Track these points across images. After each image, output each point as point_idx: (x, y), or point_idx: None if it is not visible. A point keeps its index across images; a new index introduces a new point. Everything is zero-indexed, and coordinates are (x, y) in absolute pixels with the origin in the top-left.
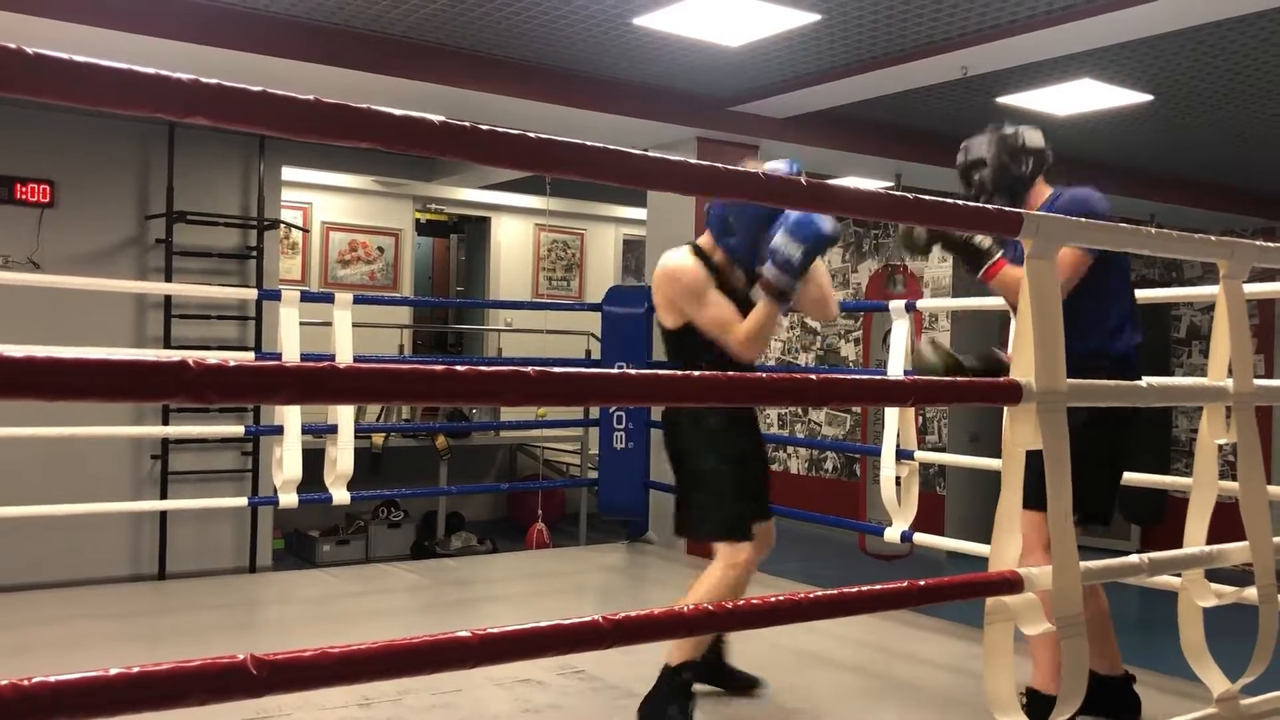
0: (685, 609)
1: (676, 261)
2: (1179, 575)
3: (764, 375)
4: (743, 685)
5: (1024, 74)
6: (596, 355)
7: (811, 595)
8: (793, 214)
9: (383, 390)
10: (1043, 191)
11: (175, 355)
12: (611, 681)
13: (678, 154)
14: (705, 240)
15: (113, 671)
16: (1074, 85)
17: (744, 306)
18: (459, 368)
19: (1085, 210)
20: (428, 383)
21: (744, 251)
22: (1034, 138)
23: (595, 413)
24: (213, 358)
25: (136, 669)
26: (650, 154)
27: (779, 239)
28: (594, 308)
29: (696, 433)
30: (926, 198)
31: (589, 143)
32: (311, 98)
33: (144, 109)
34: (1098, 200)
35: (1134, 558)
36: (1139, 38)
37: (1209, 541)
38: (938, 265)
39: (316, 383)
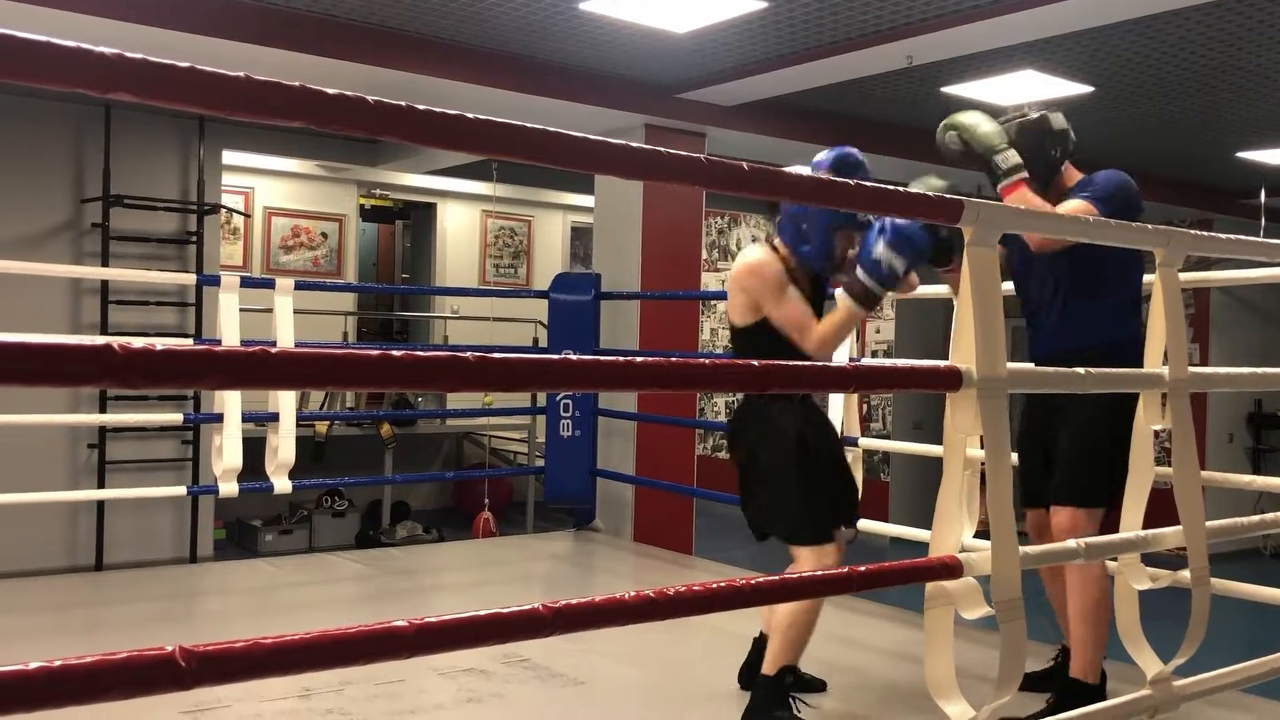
0: (626, 596)
1: (758, 256)
2: (1114, 560)
3: (706, 361)
4: (807, 687)
5: (968, 65)
6: (544, 343)
7: (753, 581)
8: (891, 224)
9: (317, 375)
10: (1073, 175)
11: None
12: (557, 670)
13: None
14: (777, 242)
15: (32, 665)
16: (1017, 76)
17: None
18: (395, 352)
19: (1122, 185)
20: (362, 367)
21: (818, 258)
22: (1059, 120)
23: (542, 401)
24: (140, 342)
25: (58, 663)
26: (593, 137)
27: (880, 250)
28: (541, 295)
29: (774, 434)
30: (866, 183)
31: (528, 124)
32: (241, 74)
33: (63, 84)
34: (1123, 179)
35: (1071, 543)
36: (1080, 29)
37: (1144, 527)
38: None
39: (247, 367)
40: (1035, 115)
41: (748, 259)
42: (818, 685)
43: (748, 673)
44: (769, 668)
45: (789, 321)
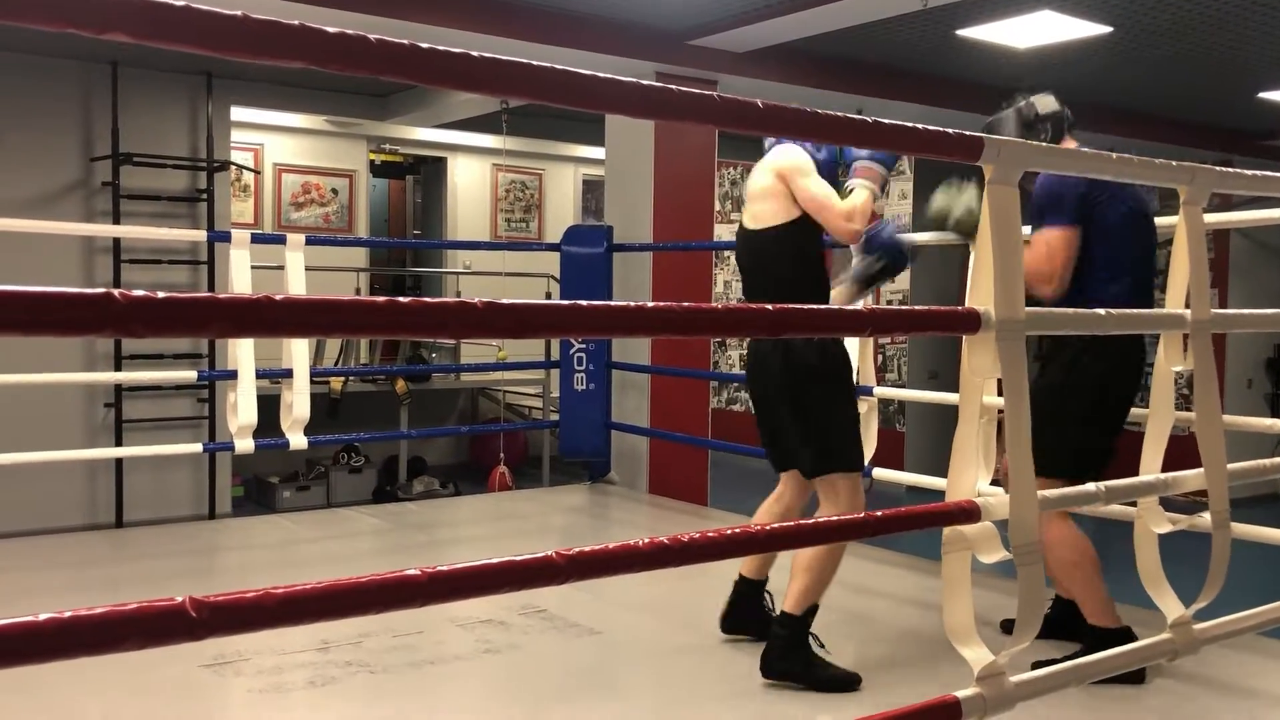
0: (640, 543)
1: (788, 146)
2: (1134, 504)
3: (720, 307)
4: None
5: (984, 5)
6: (557, 298)
7: (769, 527)
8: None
9: (320, 322)
10: (1072, 145)
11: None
12: (574, 620)
13: None
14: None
15: (43, 617)
16: (1034, 17)
17: None
18: (400, 299)
19: (1053, 188)
20: (368, 314)
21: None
22: (1046, 103)
23: (556, 354)
24: (141, 291)
25: (68, 614)
26: (600, 75)
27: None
28: (553, 248)
29: (818, 374)
30: (887, 121)
31: (535, 62)
32: (239, 13)
33: (59, 24)
34: (1062, 182)
35: (1090, 486)
36: None
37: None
38: (898, 202)
39: (250, 314)
40: (1022, 103)
41: (777, 151)
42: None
43: (730, 617)
44: (793, 606)
45: (815, 199)
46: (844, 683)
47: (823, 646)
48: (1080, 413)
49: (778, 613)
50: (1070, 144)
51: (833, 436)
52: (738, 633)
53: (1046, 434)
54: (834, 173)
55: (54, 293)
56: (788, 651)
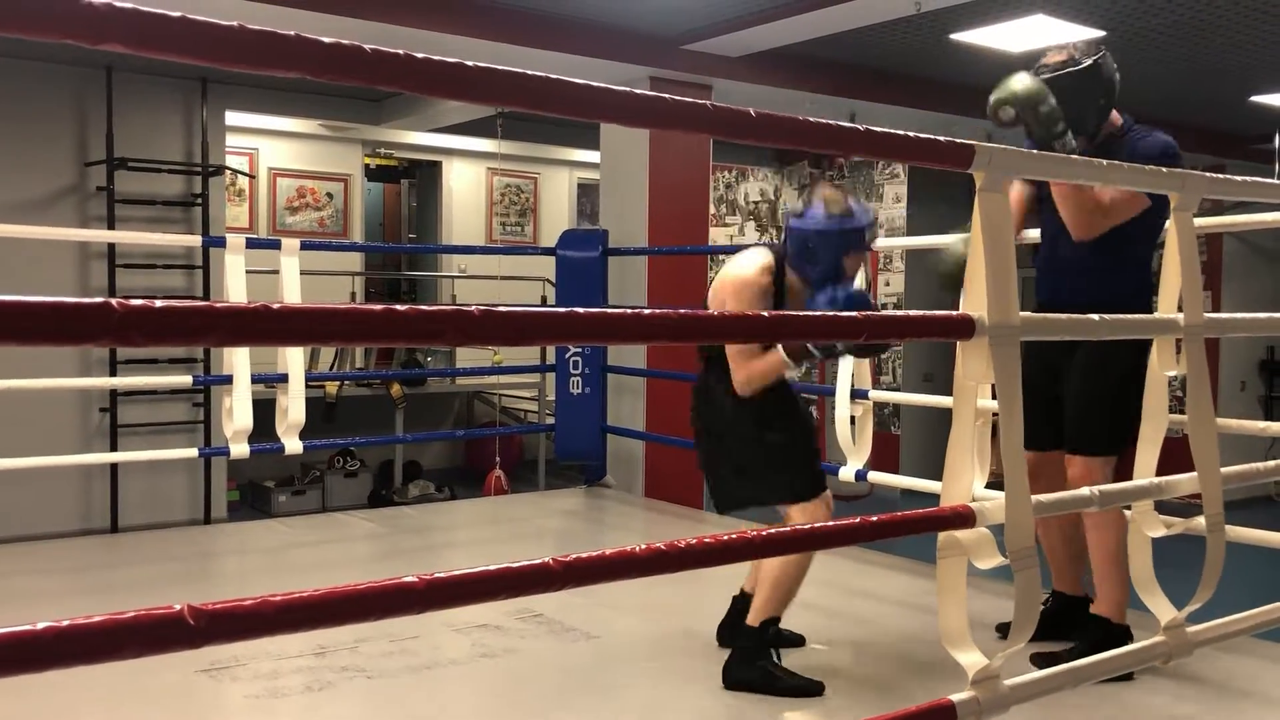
0: (636, 549)
1: (745, 272)
2: (1129, 508)
3: (716, 313)
4: (785, 643)
5: (977, 10)
6: (553, 301)
7: (765, 532)
8: (845, 296)
9: (319, 330)
10: (1115, 120)
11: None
12: (570, 625)
13: None
14: (779, 251)
15: (41, 625)
16: (1027, 21)
17: None
18: (398, 306)
19: (1171, 155)
20: (365, 322)
21: (824, 277)
22: (1110, 66)
23: (552, 358)
24: (140, 300)
25: (66, 622)
26: (594, 84)
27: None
28: (549, 252)
29: (752, 412)
30: (878, 129)
31: (530, 71)
32: (235, 24)
33: (55, 35)
34: (1174, 150)
35: (1085, 490)
36: None
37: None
38: (892, 206)
39: (249, 323)
40: (1087, 63)
41: (737, 273)
42: (797, 640)
43: (727, 630)
44: (753, 618)
45: (739, 345)
46: (804, 690)
47: (780, 658)
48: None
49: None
50: (1115, 118)
51: (797, 467)
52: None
53: (1096, 415)
54: (838, 266)
55: (52, 303)
56: (746, 662)
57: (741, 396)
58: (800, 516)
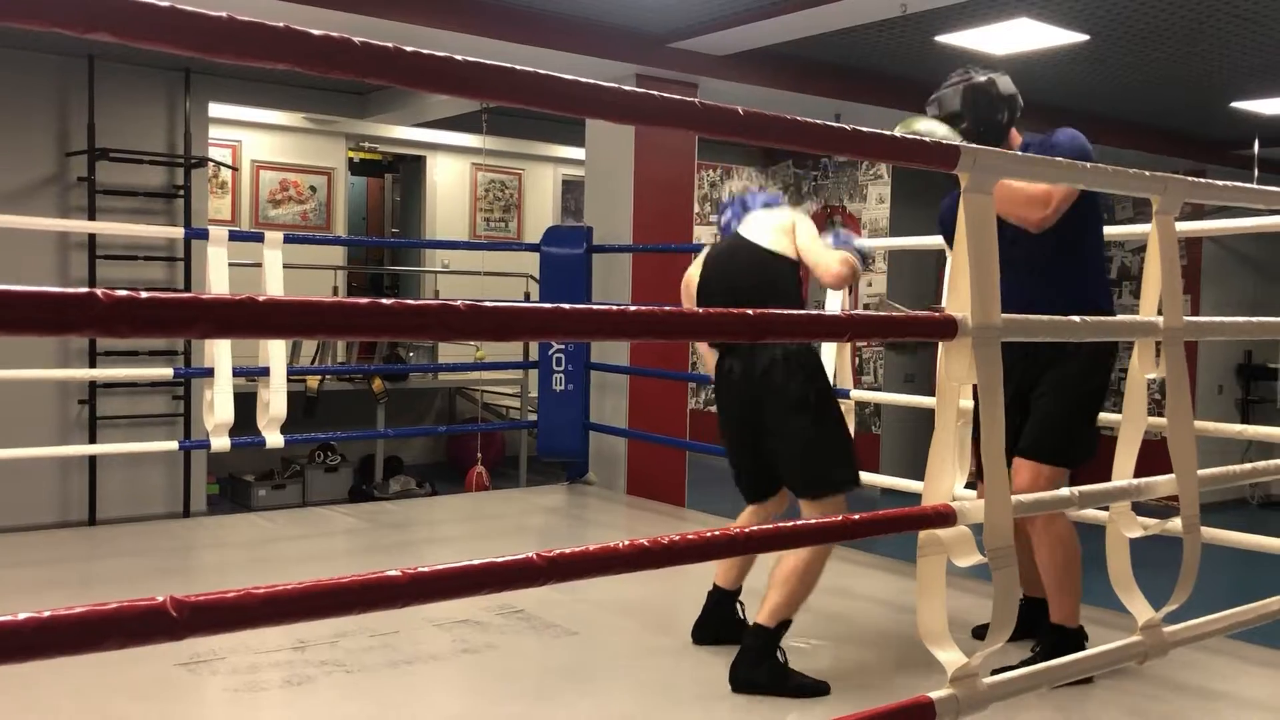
0: (619, 545)
1: (795, 216)
2: (1106, 509)
3: (700, 311)
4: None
5: (962, 12)
6: (536, 298)
7: (747, 530)
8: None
9: (305, 324)
10: (1015, 139)
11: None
12: (551, 621)
13: None
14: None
15: (21, 616)
16: (1011, 24)
17: None
18: (384, 300)
19: (1079, 147)
20: (351, 315)
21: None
22: (1007, 84)
23: (534, 355)
24: (125, 291)
25: (47, 613)
26: (580, 79)
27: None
28: (532, 248)
29: (802, 398)
30: (865, 129)
31: (517, 66)
32: (224, 14)
33: (43, 23)
34: (1085, 140)
35: (1065, 491)
36: None
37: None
38: (875, 206)
39: (235, 314)
40: (983, 78)
41: (786, 217)
42: (822, 689)
43: (703, 627)
44: (767, 619)
45: (823, 251)
46: (812, 691)
47: (787, 661)
48: (1084, 402)
49: (751, 623)
50: (1016, 135)
51: (834, 455)
52: (710, 643)
53: (1063, 428)
54: None
55: (37, 293)
56: (756, 662)
57: (801, 384)
58: (822, 510)
